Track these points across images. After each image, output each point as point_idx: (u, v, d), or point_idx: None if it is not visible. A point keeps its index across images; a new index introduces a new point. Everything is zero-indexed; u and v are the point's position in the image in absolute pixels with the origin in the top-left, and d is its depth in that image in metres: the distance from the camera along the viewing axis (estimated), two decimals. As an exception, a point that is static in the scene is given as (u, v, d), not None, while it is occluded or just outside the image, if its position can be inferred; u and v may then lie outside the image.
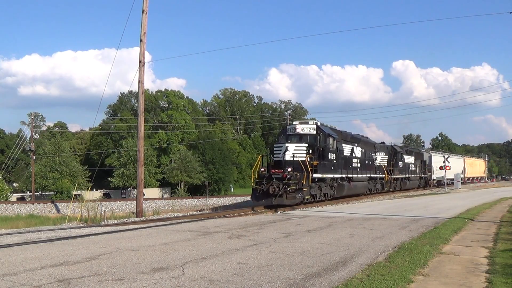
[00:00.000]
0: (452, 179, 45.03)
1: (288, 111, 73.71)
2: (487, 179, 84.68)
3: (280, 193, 18.70)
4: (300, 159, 19.68)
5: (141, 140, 20.85)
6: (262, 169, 20.41)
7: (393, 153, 34.55)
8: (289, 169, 19.31)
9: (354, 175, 25.40)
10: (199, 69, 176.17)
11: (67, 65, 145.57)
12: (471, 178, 67.53)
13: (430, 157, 47.57)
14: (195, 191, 60.83)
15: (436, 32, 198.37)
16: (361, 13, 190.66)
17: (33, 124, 56.71)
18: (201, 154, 64.51)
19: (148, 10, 20.77)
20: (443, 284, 5.76)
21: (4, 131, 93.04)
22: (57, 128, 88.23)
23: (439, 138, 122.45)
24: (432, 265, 6.82)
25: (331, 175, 22.28)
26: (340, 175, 23.30)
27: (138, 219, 18.30)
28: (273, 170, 19.80)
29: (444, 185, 40.03)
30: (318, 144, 21.32)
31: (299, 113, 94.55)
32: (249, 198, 28.27)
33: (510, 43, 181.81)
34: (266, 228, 11.55)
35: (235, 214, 17.39)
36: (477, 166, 73.87)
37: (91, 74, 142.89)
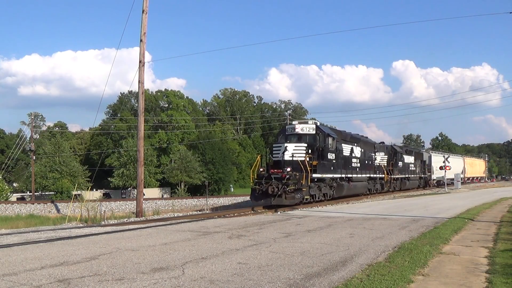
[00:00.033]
0: (452, 179, 45.04)
1: (288, 111, 73.73)
2: (487, 179, 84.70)
3: (279, 193, 18.65)
4: (299, 159, 19.63)
5: (141, 140, 20.86)
6: (261, 169, 20.35)
7: (393, 153, 34.56)
8: (288, 169, 19.25)
9: (354, 175, 25.37)
10: (199, 69, 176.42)
11: (67, 65, 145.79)
12: (470, 178, 67.55)
13: (430, 157, 47.58)
14: (195, 191, 60.83)
15: (436, 32, 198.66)
16: (361, 13, 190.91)
17: (33, 124, 56.72)
18: (201, 154, 64.51)
19: (148, 10, 20.77)
20: (443, 284, 5.76)
21: (4, 131, 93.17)
22: (57, 128, 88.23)
23: (439, 138, 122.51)
24: (432, 265, 6.83)
25: (331, 175, 22.24)
26: (339, 175, 23.27)
27: (138, 219, 18.30)
28: (272, 170, 19.74)
29: (444, 185, 40.05)
30: (317, 144, 21.27)
31: (299, 113, 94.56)
32: (249, 198, 28.27)
33: (510, 43, 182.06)
34: (266, 228, 11.55)
35: (235, 214, 17.37)
36: (477, 166, 73.89)
37: (91, 74, 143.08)
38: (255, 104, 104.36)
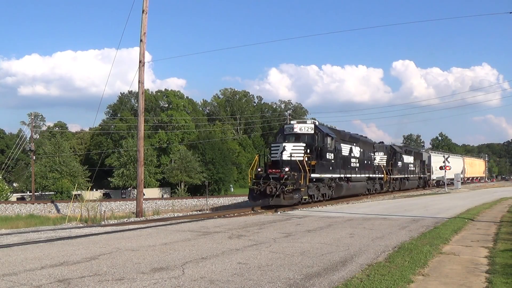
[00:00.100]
0: (452, 179, 45.05)
1: (288, 111, 73.72)
2: (487, 179, 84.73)
3: (277, 193, 18.57)
4: (297, 159, 19.51)
5: (141, 140, 20.86)
6: (259, 169, 20.21)
7: (392, 153, 34.56)
8: (287, 169, 19.11)
9: (353, 175, 25.34)
10: (199, 69, 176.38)
11: (67, 65, 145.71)
12: (470, 178, 67.55)
13: (429, 157, 47.58)
14: (195, 191, 60.84)
15: (436, 32, 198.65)
16: (361, 13, 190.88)
17: (33, 124, 56.68)
18: (201, 154, 64.52)
19: (148, 10, 20.77)
20: (443, 284, 5.76)
21: (4, 131, 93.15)
22: (57, 128, 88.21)
23: (439, 138, 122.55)
24: (432, 265, 6.83)
25: (329, 175, 22.20)
26: (338, 175, 23.23)
27: (138, 219, 18.30)
28: (270, 170, 19.61)
29: (444, 185, 40.06)
30: (316, 143, 21.21)
31: (299, 113, 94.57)
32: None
33: (510, 43, 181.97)
34: (266, 228, 11.55)
35: (235, 214, 17.37)
36: (476, 166, 73.91)
37: (91, 74, 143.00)
38: (255, 104, 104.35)
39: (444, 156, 43.63)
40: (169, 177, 62.03)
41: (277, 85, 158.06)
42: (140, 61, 20.74)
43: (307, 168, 19.39)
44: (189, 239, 9.65)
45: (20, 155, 63.67)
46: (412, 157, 39.97)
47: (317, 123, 22.58)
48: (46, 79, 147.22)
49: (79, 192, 40.19)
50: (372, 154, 30.32)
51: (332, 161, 22.34)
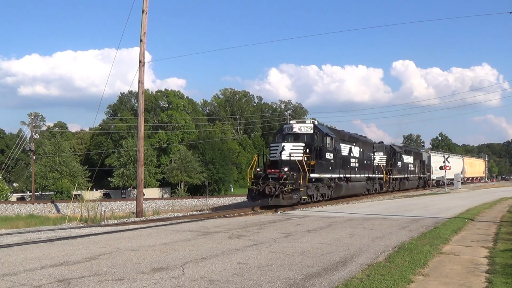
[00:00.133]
0: (452, 179, 45.05)
1: (288, 111, 73.74)
2: (487, 179, 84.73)
3: (276, 193, 18.52)
4: (296, 158, 19.46)
5: (141, 140, 20.86)
6: (258, 169, 20.16)
7: (392, 153, 34.55)
8: (286, 169, 19.06)
9: (352, 175, 25.31)
10: (199, 69, 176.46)
11: (67, 65, 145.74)
12: (470, 178, 67.55)
13: (429, 157, 47.58)
14: (195, 191, 60.83)
15: (436, 32, 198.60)
16: (361, 13, 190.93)
17: (33, 124, 56.68)
18: (201, 154, 64.52)
19: (148, 10, 20.77)
20: (443, 284, 5.76)
21: (4, 131, 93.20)
22: (57, 128, 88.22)
23: (439, 138, 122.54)
24: (432, 265, 6.83)
25: (329, 175, 22.16)
26: (337, 175, 23.20)
27: (138, 219, 18.30)
28: (269, 170, 19.55)
29: (444, 185, 40.06)
30: (315, 143, 21.16)
31: (299, 113, 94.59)
32: (248, 198, 28.22)
33: (510, 43, 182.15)
34: (266, 228, 11.55)
35: (235, 214, 17.36)
36: (476, 166, 73.90)
37: (91, 74, 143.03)
38: (255, 104, 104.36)
39: (444, 156, 43.63)
40: (169, 177, 62.03)
41: (277, 85, 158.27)
42: (140, 61, 20.74)
43: (306, 168, 19.35)
44: (189, 239, 9.65)
45: (20, 155, 63.67)
46: (412, 157, 39.97)
47: (316, 123, 22.56)
48: (46, 79, 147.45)
49: (79, 192, 40.19)
50: (372, 154, 30.31)
51: (332, 161, 22.31)
